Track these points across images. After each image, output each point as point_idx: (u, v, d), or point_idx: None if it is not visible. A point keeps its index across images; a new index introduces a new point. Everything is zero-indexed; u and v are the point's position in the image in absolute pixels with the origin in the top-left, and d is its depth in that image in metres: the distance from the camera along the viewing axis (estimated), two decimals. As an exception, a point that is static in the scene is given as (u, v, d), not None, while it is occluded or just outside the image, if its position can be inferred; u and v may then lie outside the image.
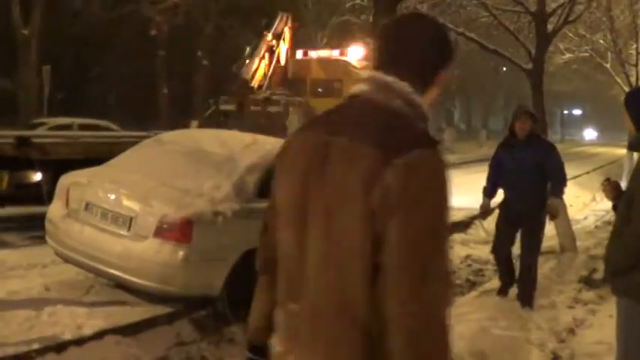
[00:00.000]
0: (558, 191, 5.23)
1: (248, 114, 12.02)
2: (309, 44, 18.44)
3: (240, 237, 4.76)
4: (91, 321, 4.42)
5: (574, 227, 8.32)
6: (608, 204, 3.69)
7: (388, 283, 1.20)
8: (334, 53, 14.63)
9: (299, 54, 14.71)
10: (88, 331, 4.26)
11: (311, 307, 1.31)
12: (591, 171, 20.04)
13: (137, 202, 4.65)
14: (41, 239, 5.51)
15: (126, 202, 4.68)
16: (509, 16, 13.51)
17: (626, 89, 18.85)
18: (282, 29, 13.87)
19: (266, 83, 13.13)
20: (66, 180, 5.18)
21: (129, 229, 4.61)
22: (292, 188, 1.35)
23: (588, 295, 5.64)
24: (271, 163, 5.18)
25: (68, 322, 4.38)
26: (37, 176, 7.55)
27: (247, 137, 5.79)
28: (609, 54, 21.24)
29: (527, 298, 5.20)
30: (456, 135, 32.67)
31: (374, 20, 8.59)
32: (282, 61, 13.81)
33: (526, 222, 5.18)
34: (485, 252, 6.82)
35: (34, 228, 6.56)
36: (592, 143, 54.33)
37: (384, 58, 1.39)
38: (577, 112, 67.13)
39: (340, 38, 21.99)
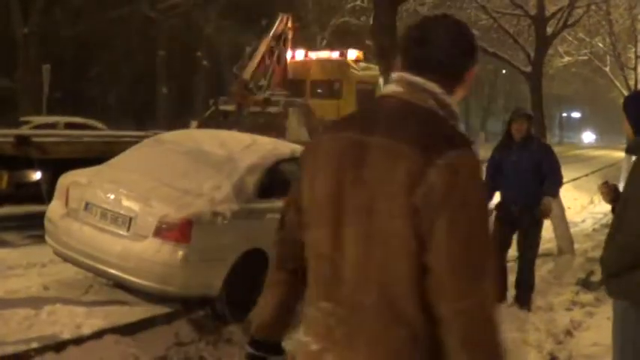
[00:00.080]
0: (553, 191, 5.23)
1: (248, 114, 12.02)
2: (309, 45, 18.44)
3: (239, 237, 4.78)
4: (90, 320, 4.42)
5: (572, 230, 8.34)
6: (605, 207, 3.71)
7: (439, 282, 1.22)
8: (334, 54, 14.63)
9: (299, 55, 14.72)
10: (86, 330, 4.27)
11: (349, 305, 1.31)
12: (589, 174, 20.09)
13: (137, 202, 4.66)
14: (40, 238, 5.51)
15: (125, 202, 4.69)
16: (509, 19, 13.55)
17: (625, 92, 18.90)
18: (283, 30, 13.88)
19: (266, 84, 13.14)
20: (66, 179, 5.19)
21: (128, 228, 4.62)
22: (326, 187, 1.35)
23: (586, 297, 5.66)
24: (272, 163, 5.25)
25: (67, 321, 4.39)
26: (37, 175, 7.55)
27: (247, 138, 5.81)
28: (608, 57, 21.29)
29: (525, 300, 5.21)
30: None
31: (374, 22, 8.61)
32: (282, 62, 13.81)
33: (524, 223, 5.20)
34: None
35: (33, 227, 6.56)
36: (590, 146, 54.40)
37: (412, 60, 1.40)
38: (576, 114, 67.21)
39: (340, 39, 22.01)
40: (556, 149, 5.53)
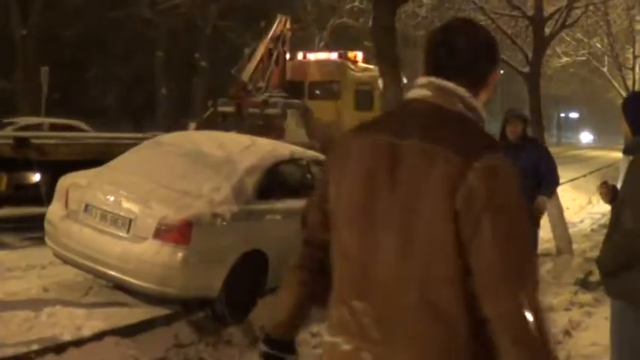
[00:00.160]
0: (549, 191, 5.22)
1: (246, 116, 12.02)
2: (307, 47, 18.45)
3: (238, 239, 4.79)
4: (90, 322, 4.43)
5: (570, 230, 8.36)
6: (604, 207, 3.72)
7: (482, 284, 1.23)
8: (332, 56, 14.63)
9: (298, 56, 14.73)
10: (86, 332, 4.28)
11: (386, 305, 1.31)
12: (588, 174, 20.11)
13: (136, 203, 4.67)
14: (40, 240, 5.52)
15: (125, 204, 4.70)
16: (507, 20, 13.54)
17: (623, 93, 18.97)
18: (281, 32, 13.88)
19: (264, 85, 13.14)
20: (65, 181, 5.19)
21: (128, 230, 4.63)
22: (356, 190, 1.36)
23: (584, 297, 5.68)
24: (271, 164, 5.26)
25: (67, 323, 4.40)
26: (36, 177, 7.55)
27: (246, 139, 5.82)
28: (606, 58, 21.33)
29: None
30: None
31: (373, 23, 8.61)
32: (281, 64, 13.82)
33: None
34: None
35: (32, 229, 6.57)
36: (588, 146, 54.42)
37: (437, 65, 1.41)
38: (574, 115, 67.25)
39: (339, 41, 22.03)
40: (554, 149, 5.55)
